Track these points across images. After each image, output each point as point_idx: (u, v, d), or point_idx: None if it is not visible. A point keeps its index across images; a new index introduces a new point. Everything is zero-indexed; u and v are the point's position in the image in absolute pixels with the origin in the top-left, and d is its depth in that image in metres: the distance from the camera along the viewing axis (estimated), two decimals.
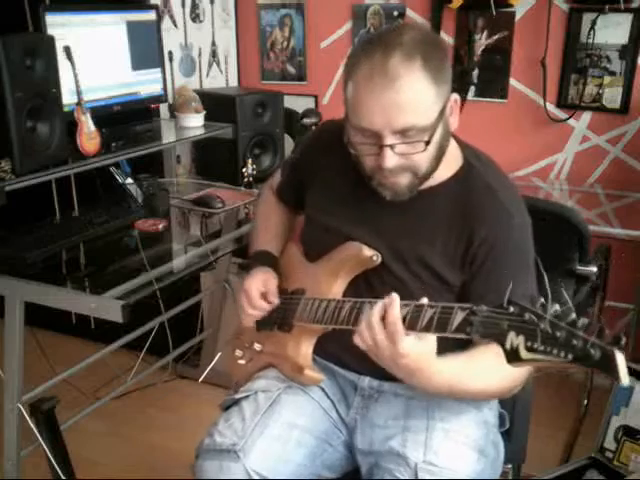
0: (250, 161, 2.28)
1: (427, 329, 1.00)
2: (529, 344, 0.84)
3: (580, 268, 1.69)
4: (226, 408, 1.35)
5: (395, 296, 1.03)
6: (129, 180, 2.09)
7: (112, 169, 2.07)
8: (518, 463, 1.55)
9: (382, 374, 1.16)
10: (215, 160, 2.47)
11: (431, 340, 1.03)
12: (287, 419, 1.27)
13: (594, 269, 1.71)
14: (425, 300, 1.03)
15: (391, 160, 1.11)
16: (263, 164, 2.46)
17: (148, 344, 2.49)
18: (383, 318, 1.03)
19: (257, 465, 1.20)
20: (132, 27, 2.14)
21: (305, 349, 1.30)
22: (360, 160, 1.17)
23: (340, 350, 1.30)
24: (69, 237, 1.80)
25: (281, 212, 1.52)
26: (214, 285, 2.66)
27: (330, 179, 1.32)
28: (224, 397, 1.39)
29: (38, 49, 1.69)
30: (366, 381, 1.31)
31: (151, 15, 2.25)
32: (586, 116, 2.53)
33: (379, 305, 1.04)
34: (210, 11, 2.80)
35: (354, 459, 1.32)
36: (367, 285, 1.25)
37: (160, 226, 1.91)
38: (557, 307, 0.83)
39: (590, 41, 2.42)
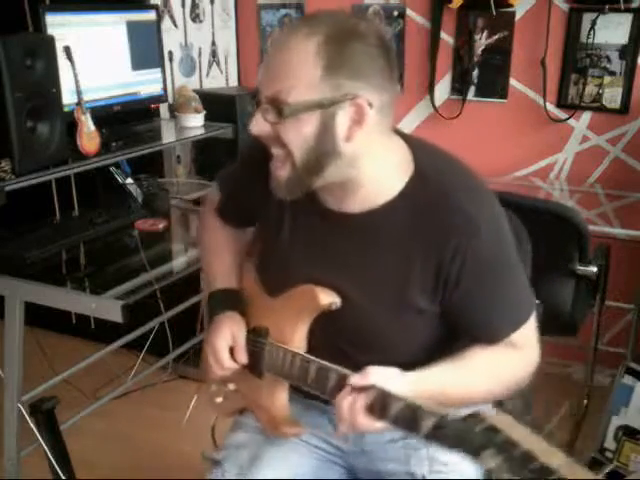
0: None
1: (395, 425, 0.97)
2: (495, 465, 0.83)
3: (580, 268, 1.69)
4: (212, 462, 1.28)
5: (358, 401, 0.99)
6: (129, 180, 2.09)
7: (112, 169, 2.07)
8: None
9: None
10: (215, 160, 2.47)
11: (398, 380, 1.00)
12: (272, 477, 1.22)
13: (594, 269, 1.71)
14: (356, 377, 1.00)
15: (257, 124, 1.02)
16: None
17: (148, 344, 2.49)
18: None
19: None
20: (132, 27, 2.14)
21: (280, 399, 1.21)
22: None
23: None
24: (69, 237, 1.80)
25: (230, 236, 1.37)
26: None
27: (272, 204, 1.17)
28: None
29: (38, 49, 1.69)
30: None
31: (151, 15, 2.25)
32: (586, 116, 2.53)
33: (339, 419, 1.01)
34: (210, 11, 2.80)
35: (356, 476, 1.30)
36: (330, 322, 1.14)
37: (160, 226, 1.91)
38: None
39: (590, 41, 2.42)
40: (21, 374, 1.69)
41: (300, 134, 1.00)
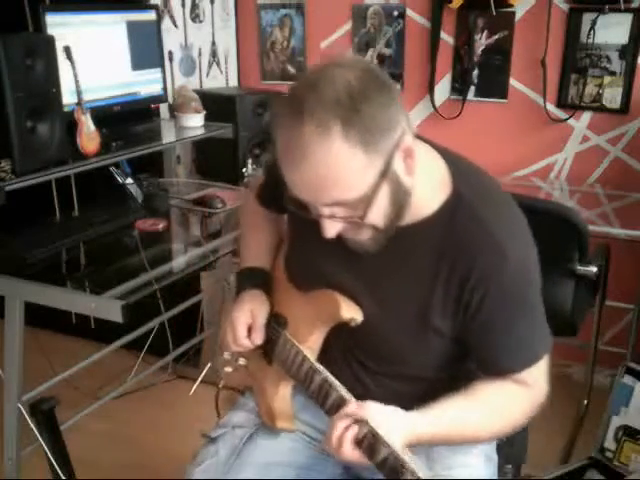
0: (250, 161, 2.28)
1: (379, 468, 0.97)
2: None
3: (580, 268, 1.69)
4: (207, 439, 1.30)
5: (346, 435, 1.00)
6: (129, 180, 2.09)
7: (112, 169, 2.07)
8: (518, 463, 1.54)
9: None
10: (215, 160, 2.47)
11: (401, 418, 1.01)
12: (263, 460, 1.23)
13: (594, 269, 1.71)
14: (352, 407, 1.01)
15: (332, 230, 1.00)
16: (263, 164, 2.45)
17: (148, 344, 2.50)
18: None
19: None
20: (132, 27, 2.14)
21: (283, 391, 1.23)
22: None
23: None
24: (69, 237, 1.80)
25: (268, 220, 1.39)
26: (214, 285, 2.66)
27: None
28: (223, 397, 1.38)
29: (38, 49, 1.68)
30: None
31: (151, 15, 2.25)
32: (586, 116, 2.53)
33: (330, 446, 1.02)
34: (210, 11, 2.80)
35: (353, 474, 1.30)
36: (349, 331, 1.14)
37: (160, 226, 1.91)
38: None
39: (590, 41, 2.42)
40: (21, 374, 1.69)
41: (380, 210, 0.98)
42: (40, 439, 1.75)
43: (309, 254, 1.18)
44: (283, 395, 1.23)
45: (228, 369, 1.38)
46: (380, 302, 1.11)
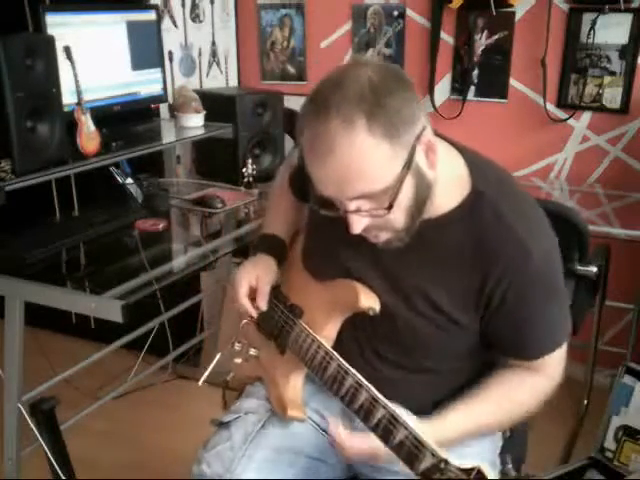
0: (250, 161, 2.27)
1: (396, 452, 0.96)
2: None
3: (580, 268, 1.68)
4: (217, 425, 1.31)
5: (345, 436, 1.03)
6: (129, 180, 2.09)
7: (112, 169, 2.07)
8: (518, 463, 1.55)
9: (385, 396, 1.10)
10: (215, 160, 2.47)
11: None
12: (276, 444, 1.24)
13: (594, 269, 1.71)
14: (401, 411, 0.98)
15: (358, 225, 1.01)
16: (263, 164, 2.45)
17: (148, 344, 2.49)
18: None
19: None
20: (132, 27, 2.14)
21: (295, 380, 1.24)
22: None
23: None
24: (69, 237, 1.80)
25: (291, 200, 1.41)
26: (214, 285, 2.67)
27: None
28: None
29: (38, 49, 1.69)
30: None
31: (151, 15, 2.25)
32: (586, 116, 2.53)
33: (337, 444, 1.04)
34: (210, 11, 2.80)
35: (356, 470, 1.30)
36: (369, 321, 1.16)
37: (160, 226, 1.91)
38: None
39: (590, 41, 2.42)
40: (21, 374, 1.69)
41: (405, 203, 1.01)
42: (40, 439, 1.75)
43: (329, 245, 1.20)
44: (294, 385, 1.24)
45: (238, 360, 1.39)
46: (400, 293, 1.13)
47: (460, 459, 1.18)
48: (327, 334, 1.18)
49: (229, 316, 1.29)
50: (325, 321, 1.19)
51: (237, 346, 1.40)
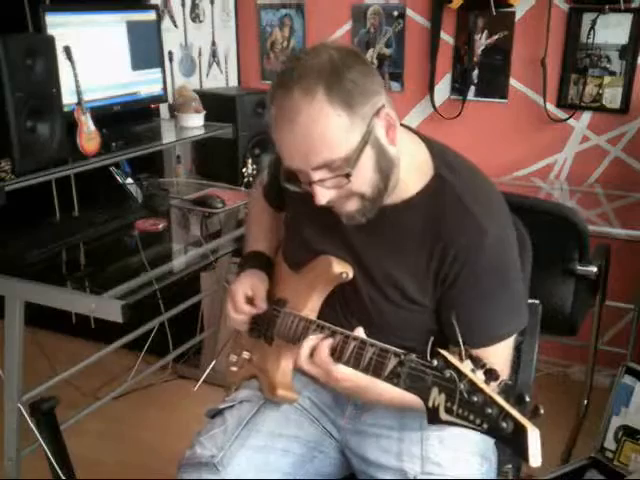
0: (250, 161, 2.28)
1: (366, 371, 1.01)
2: (448, 405, 0.81)
3: (580, 268, 1.69)
4: (212, 416, 1.34)
5: (323, 342, 1.08)
6: (129, 180, 2.09)
7: (112, 169, 2.07)
8: (518, 463, 1.55)
9: None
10: (215, 160, 2.47)
11: None
12: (271, 429, 1.26)
13: (594, 269, 1.71)
14: (361, 333, 1.05)
15: (323, 195, 1.06)
16: (263, 164, 2.45)
17: (148, 344, 2.49)
18: (312, 355, 1.08)
19: (237, 477, 1.19)
20: (132, 27, 2.14)
21: (285, 365, 1.27)
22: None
23: None
24: (69, 237, 1.80)
25: (272, 216, 1.47)
26: (214, 285, 2.67)
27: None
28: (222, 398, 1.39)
29: (38, 49, 1.69)
30: None
31: (151, 15, 2.25)
32: (586, 116, 2.53)
33: (305, 347, 1.09)
34: (210, 11, 2.80)
35: (349, 464, 1.31)
36: (342, 300, 1.23)
37: (160, 226, 1.91)
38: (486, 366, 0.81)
39: (590, 41, 2.42)
40: (21, 374, 1.69)
41: (366, 175, 1.06)
42: (40, 439, 1.75)
43: (304, 235, 1.26)
44: (284, 369, 1.27)
45: (234, 368, 1.43)
46: (366, 271, 1.18)
47: (444, 447, 1.19)
48: (309, 311, 1.22)
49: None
50: (306, 300, 1.23)
51: (232, 357, 1.44)
